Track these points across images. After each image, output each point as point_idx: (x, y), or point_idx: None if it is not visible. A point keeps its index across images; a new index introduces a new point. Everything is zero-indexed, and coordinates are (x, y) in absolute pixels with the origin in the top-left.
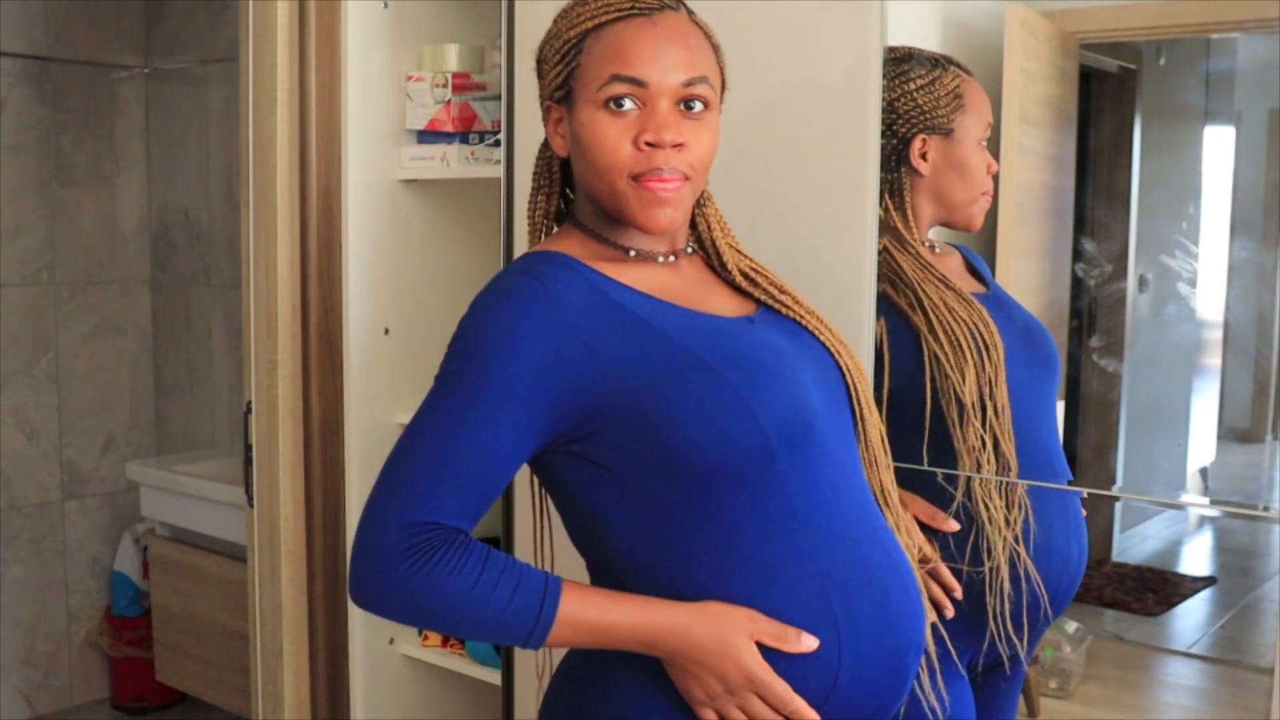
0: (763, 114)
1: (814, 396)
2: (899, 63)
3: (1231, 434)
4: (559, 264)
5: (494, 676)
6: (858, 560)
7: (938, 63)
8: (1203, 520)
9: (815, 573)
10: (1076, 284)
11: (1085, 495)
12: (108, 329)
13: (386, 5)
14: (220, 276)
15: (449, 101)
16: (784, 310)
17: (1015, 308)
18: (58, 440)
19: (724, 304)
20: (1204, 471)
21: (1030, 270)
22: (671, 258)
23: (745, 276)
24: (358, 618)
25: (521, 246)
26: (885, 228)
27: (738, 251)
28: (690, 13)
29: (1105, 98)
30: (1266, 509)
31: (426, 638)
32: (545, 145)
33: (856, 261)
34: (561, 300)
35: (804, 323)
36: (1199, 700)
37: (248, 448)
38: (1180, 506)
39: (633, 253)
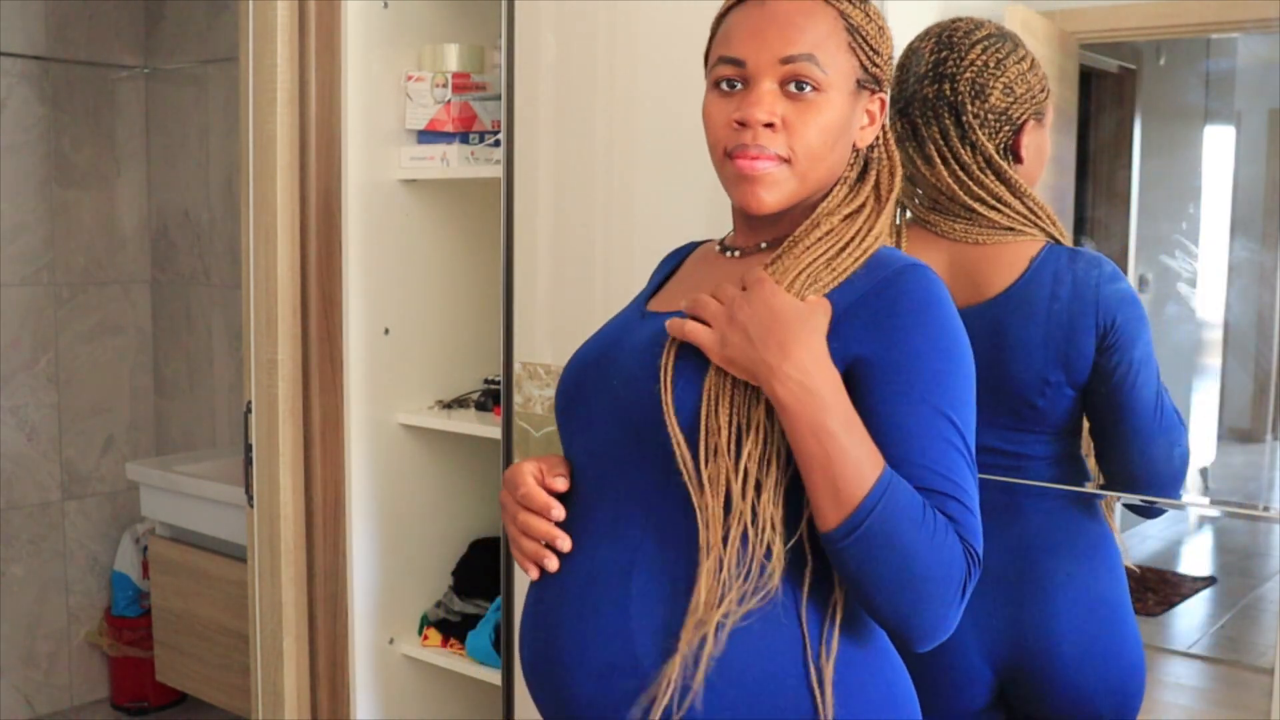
0: None
1: (587, 383)
2: (995, 39)
3: (1231, 434)
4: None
5: (494, 676)
6: (563, 579)
7: (1021, 40)
8: (1203, 520)
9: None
10: None
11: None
12: (108, 329)
13: (386, 5)
14: (220, 276)
15: (449, 101)
16: None
17: None
18: (58, 440)
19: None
20: (1204, 471)
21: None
22: (736, 252)
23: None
24: (358, 618)
25: (522, 246)
26: (1040, 216)
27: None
28: None
29: (1105, 98)
30: (1266, 509)
31: (426, 637)
32: None
33: None
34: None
35: None
36: (1199, 700)
37: (248, 448)
38: (1180, 506)
39: (729, 252)
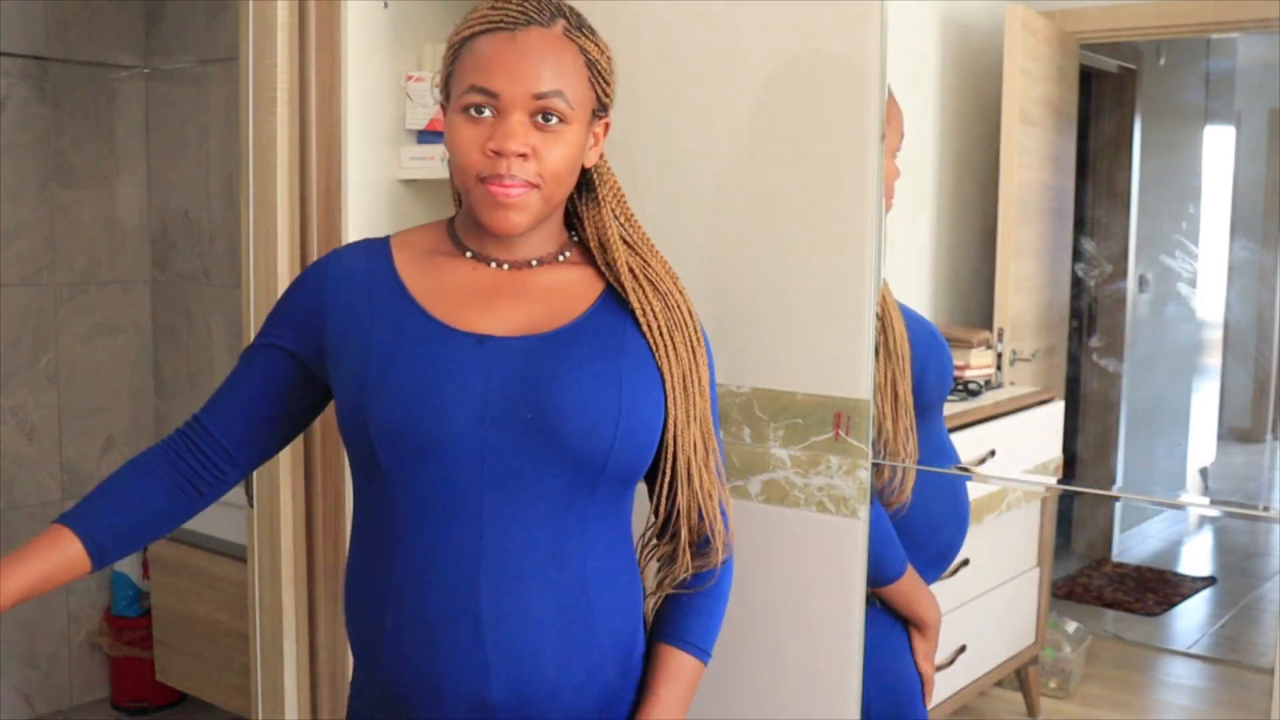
0: (763, 114)
1: (464, 421)
2: None
3: (1231, 434)
4: (364, 246)
5: None
6: (430, 594)
7: None
8: (1203, 520)
9: (388, 579)
10: (1076, 284)
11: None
12: (108, 329)
13: (386, 5)
14: (220, 276)
15: None
16: (641, 321)
17: None
18: (58, 440)
19: (499, 320)
20: (1204, 471)
21: (1030, 270)
22: (505, 265)
23: (633, 272)
24: None
25: None
26: None
27: (634, 249)
28: (570, 29)
29: (1105, 98)
30: (1266, 509)
31: None
32: None
33: (857, 261)
34: (337, 262)
35: (652, 341)
36: (1199, 700)
37: None
38: (1180, 506)
39: (469, 254)
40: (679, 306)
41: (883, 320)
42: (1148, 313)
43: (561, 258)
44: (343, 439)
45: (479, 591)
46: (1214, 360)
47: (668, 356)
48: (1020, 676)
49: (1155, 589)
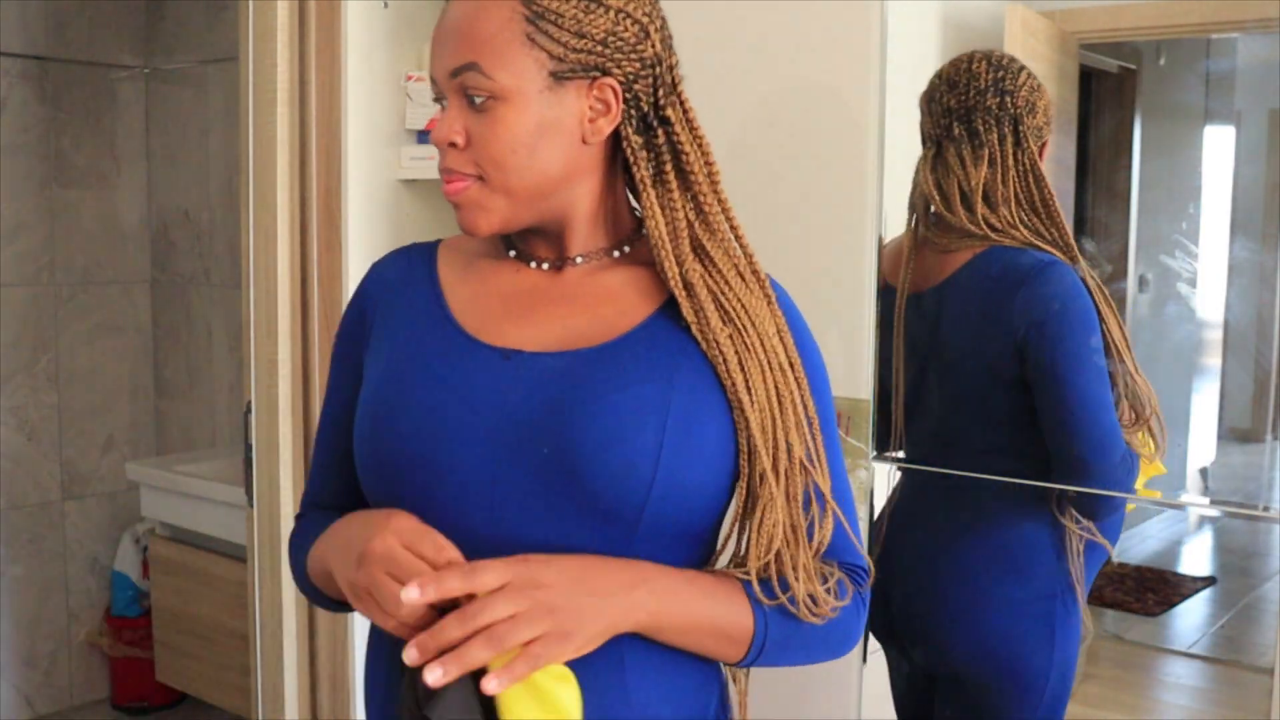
0: (763, 114)
1: (470, 455)
2: (1012, 62)
3: (1231, 434)
4: (406, 251)
5: None
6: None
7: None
8: (1203, 520)
9: (382, 647)
10: None
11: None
12: (108, 329)
13: (386, 5)
14: (220, 276)
15: None
16: (702, 343)
17: None
18: (58, 440)
19: (535, 331)
20: (1204, 471)
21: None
22: (544, 265)
23: (688, 287)
24: (358, 617)
25: None
26: (1047, 226)
27: (702, 256)
28: None
29: (1105, 98)
30: (1266, 509)
31: None
32: None
33: (857, 262)
34: (374, 275)
35: (719, 366)
36: (1199, 700)
37: (248, 448)
38: (1180, 506)
39: (512, 253)
40: (748, 329)
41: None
42: (1148, 313)
43: (617, 253)
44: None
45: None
46: (1214, 360)
47: (738, 385)
48: None
49: (1155, 589)
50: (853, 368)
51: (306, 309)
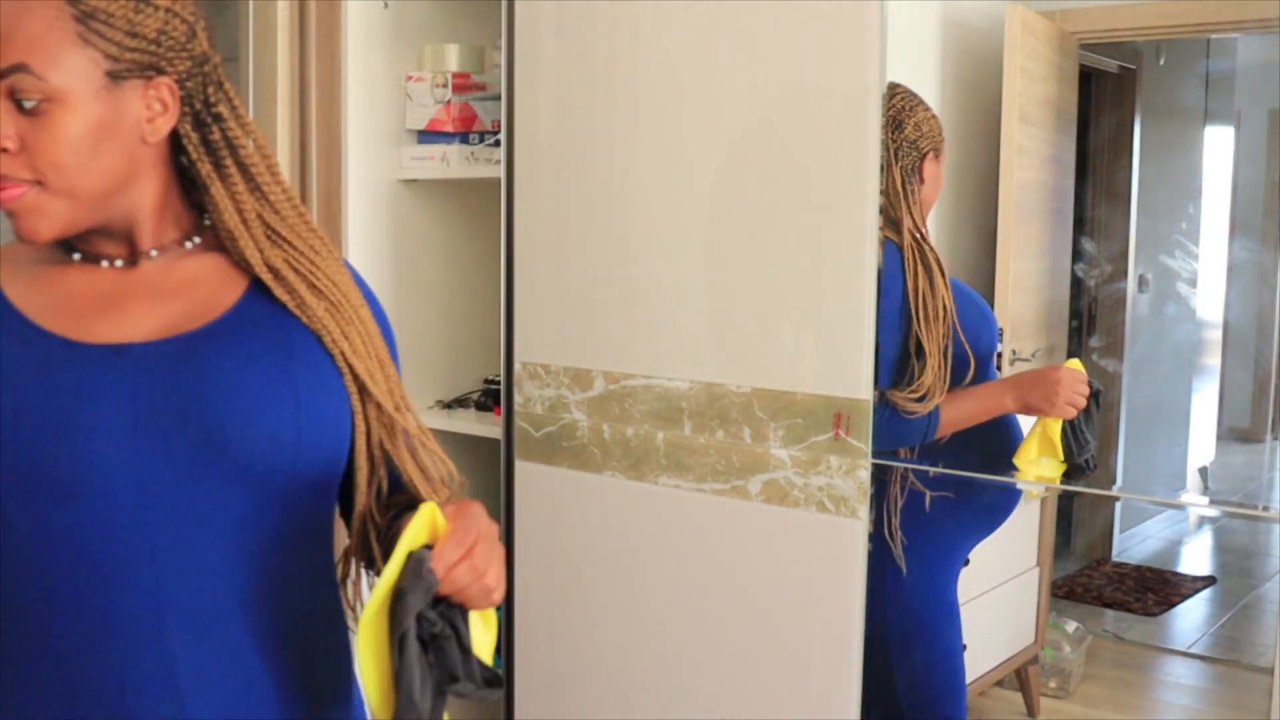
0: (763, 114)
1: (114, 448)
2: (911, 95)
3: (1231, 434)
4: None
5: None
6: (111, 669)
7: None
8: (1202, 520)
9: (43, 662)
10: (1076, 284)
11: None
12: None
13: (386, 5)
14: None
15: (449, 101)
16: (304, 319)
17: None
18: None
19: (132, 325)
20: (1204, 471)
21: (1030, 270)
22: (117, 262)
23: (274, 271)
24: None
25: (522, 246)
26: (889, 219)
27: (278, 240)
28: None
29: (1105, 98)
30: (1266, 509)
31: None
32: None
33: (857, 261)
34: None
35: (325, 337)
36: (1199, 700)
37: None
38: (1180, 506)
39: (76, 255)
40: (353, 315)
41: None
42: (1148, 313)
43: (189, 244)
44: None
45: (174, 655)
46: (1214, 360)
47: (346, 351)
48: (1020, 676)
49: (1155, 589)
50: (853, 368)
51: None
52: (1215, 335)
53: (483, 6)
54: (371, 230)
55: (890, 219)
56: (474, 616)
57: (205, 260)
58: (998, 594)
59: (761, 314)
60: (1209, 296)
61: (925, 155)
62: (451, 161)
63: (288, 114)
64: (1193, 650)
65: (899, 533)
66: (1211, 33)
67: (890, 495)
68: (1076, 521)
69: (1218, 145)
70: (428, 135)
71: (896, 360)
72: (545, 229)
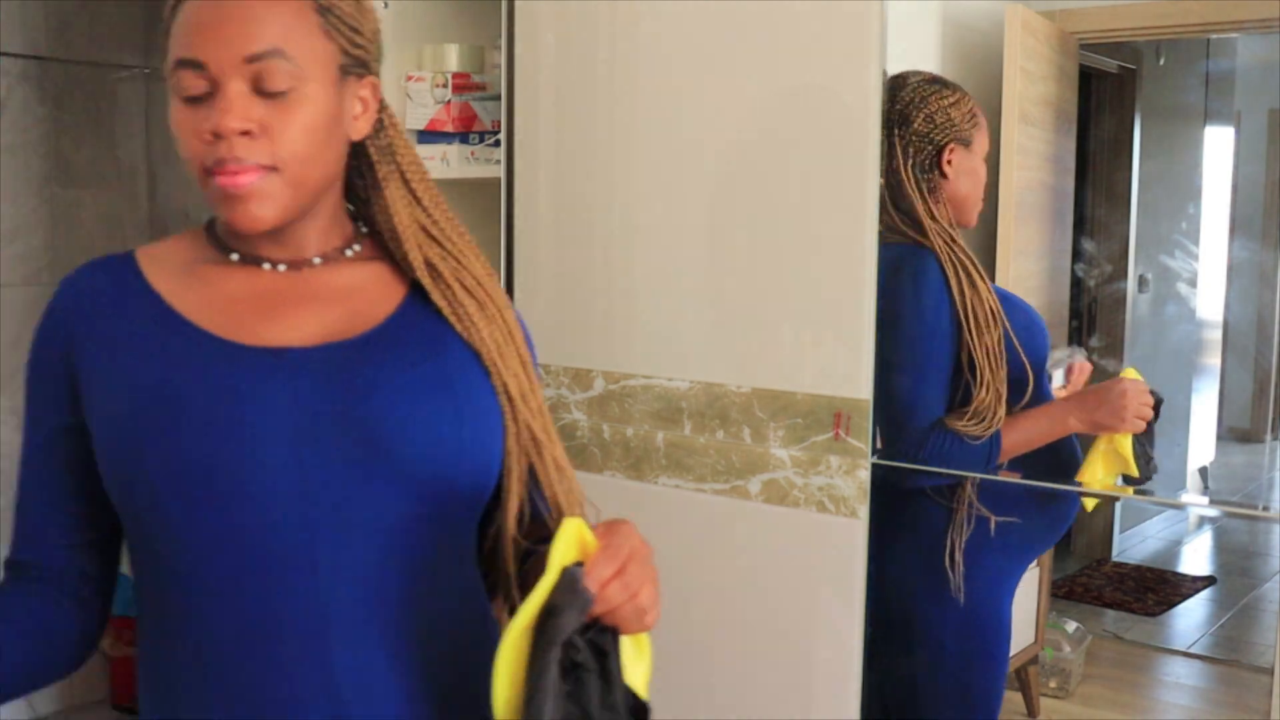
0: (763, 114)
1: (277, 451)
2: (930, 83)
3: (1231, 434)
4: (100, 265)
5: None
6: (270, 683)
7: (957, 86)
8: (1202, 520)
9: (205, 673)
10: (1076, 284)
11: (1086, 495)
12: None
13: (386, 5)
14: None
15: (449, 101)
16: (456, 323)
17: None
18: None
19: (292, 329)
20: (1204, 471)
21: (1030, 270)
22: (279, 266)
23: (433, 272)
24: None
25: (522, 246)
26: (912, 221)
27: (438, 241)
28: None
29: (1105, 98)
30: (1266, 509)
31: None
32: None
33: (857, 261)
34: (68, 291)
35: (474, 338)
36: (1199, 700)
37: None
38: (1180, 506)
39: (235, 256)
40: (499, 317)
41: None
42: (1148, 313)
43: (350, 252)
44: (114, 500)
45: (334, 659)
46: (1214, 360)
47: (493, 353)
48: (1020, 676)
49: (1155, 589)
50: (853, 368)
51: None
52: (1215, 335)
53: (483, 6)
54: None
55: (913, 220)
56: (626, 642)
57: (365, 269)
58: None
59: (761, 314)
60: (1209, 296)
61: (945, 147)
62: (451, 161)
63: None
64: (1193, 650)
65: (960, 563)
66: (1211, 33)
67: (957, 521)
68: (1077, 521)
69: (1218, 145)
70: (428, 135)
71: (950, 380)
72: (545, 229)
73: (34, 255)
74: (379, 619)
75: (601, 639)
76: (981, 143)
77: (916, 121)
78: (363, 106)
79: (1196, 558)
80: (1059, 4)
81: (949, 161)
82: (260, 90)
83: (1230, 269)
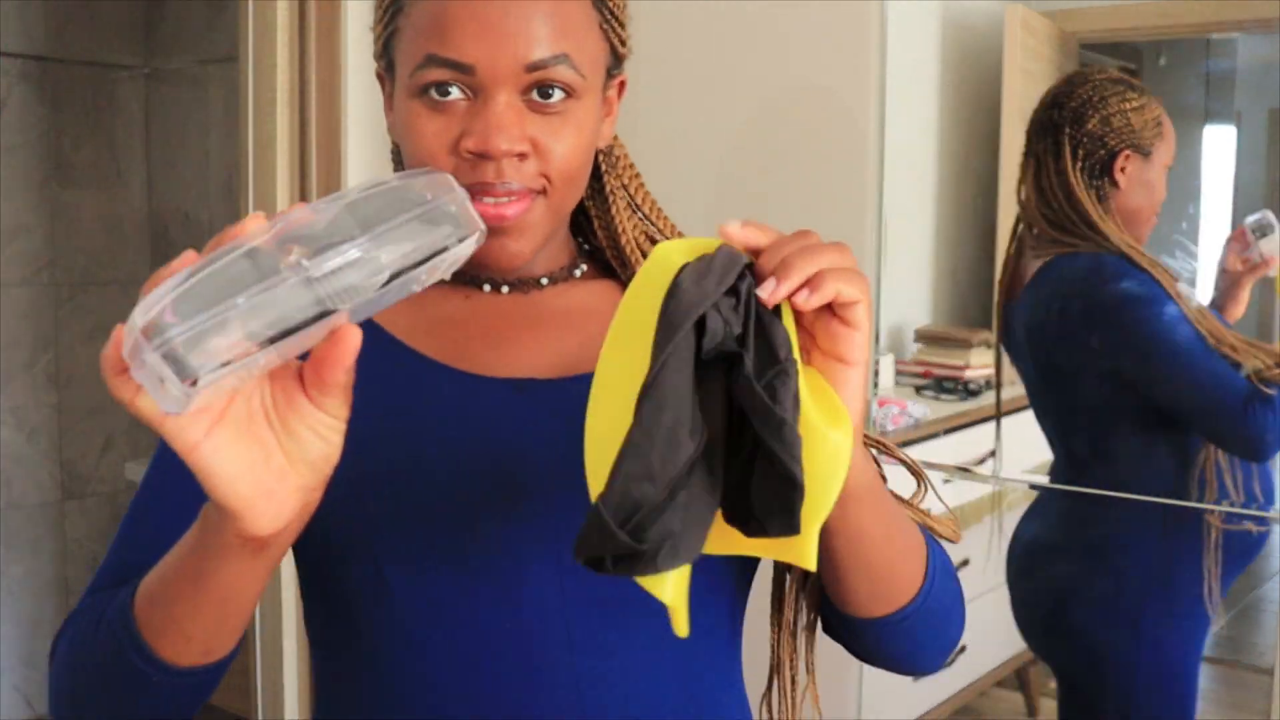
0: (763, 114)
1: (521, 492)
2: (1114, 82)
3: None
4: None
5: None
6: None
7: (1146, 91)
8: None
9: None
10: None
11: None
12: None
13: None
14: None
15: None
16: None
17: None
18: (57, 440)
19: (526, 358)
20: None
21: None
22: (504, 288)
23: None
24: None
25: None
26: (1097, 225)
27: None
28: None
29: None
30: (1266, 509)
31: None
32: None
33: (857, 261)
34: None
35: None
36: (1199, 700)
37: None
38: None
39: (488, 286)
40: None
41: None
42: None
43: (577, 272)
44: (304, 559)
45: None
46: None
47: None
48: (1020, 677)
49: None
50: None
51: None
52: None
53: None
54: None
55: (1083, 225)
56: (805, 376)
57: (592, 289)
58: (998, 594)
59: None
60: (1209, 296)
61: (1119, 154)
62: None
63: (288, 114)
64: None
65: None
66: (1211, 33)
67: (1208, 544)
68: None
69: (1218, 145)
70: None
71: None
72: None
73: (34, 255)
74: (643, 710)
75: (771, 327)
76: (1164, 155)
77: (1091, 122)
78: (607, 109)
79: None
80: (1059, 4)
81: (1122, 169)
82: (533, 101)
83: None
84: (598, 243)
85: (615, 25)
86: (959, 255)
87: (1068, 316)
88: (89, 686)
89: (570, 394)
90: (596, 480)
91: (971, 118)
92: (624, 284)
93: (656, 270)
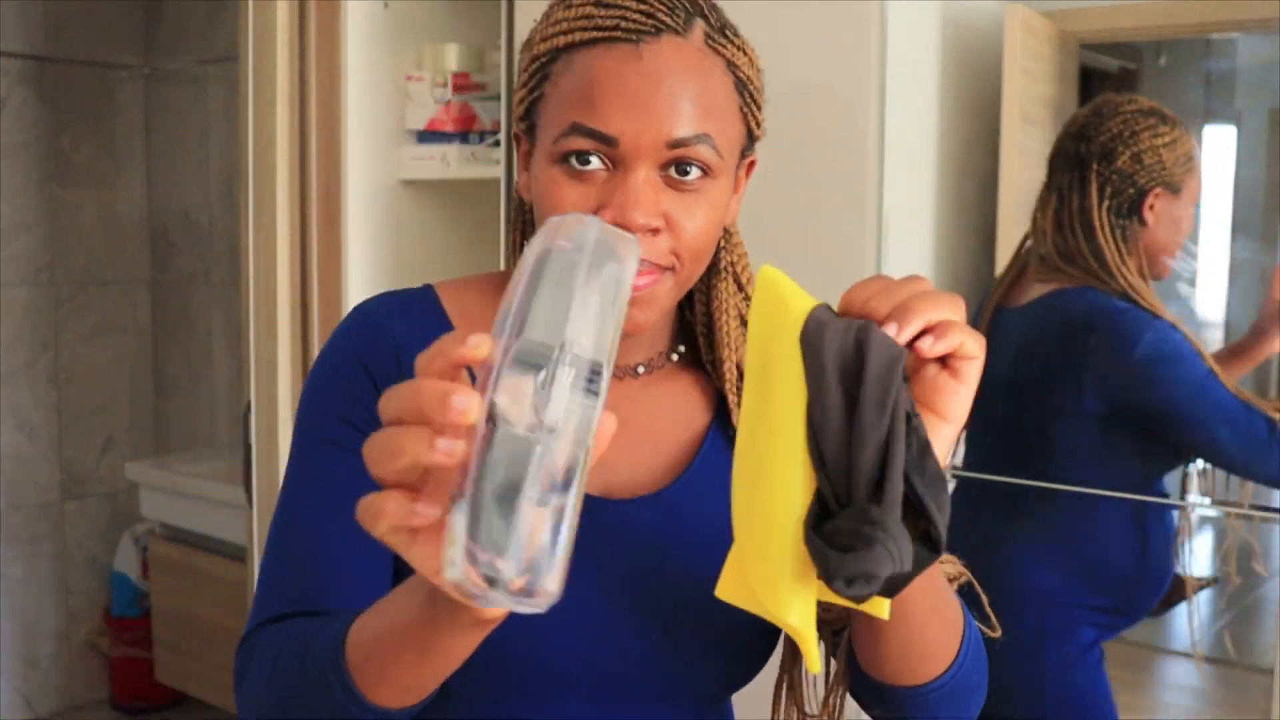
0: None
1: (573, 637)
2: (1146, 114)
3: None
4: (409, 301)
5: None
6: None
7: (1178, 123)
8: (1203, 520)
9: None
10: None
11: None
12: (107, 329)
13: (387, 5)
14: (220, 276)
15: (449, 101)
16: None
17: None
18: (57, 440)
19: (609, 468)
20: (1204, 471)
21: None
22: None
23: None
24: None
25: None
26: (1111, 269)
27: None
28: (713, 33)
29: None
30: (1266, 509)
31: None
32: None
33: (857, 262)
34: (374, 328)
35: None
36: (1199, 700)
37: (247, 448)
38: (1180, 506)
39: None
40: None
41: None
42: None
43: (674, 357)
44: None
45: None
46: None
47: None
48: None
49: None
50: None
51: (306, 309)
52: (1216, 335)
53: (483, 6)
54: (371, 230)
55: (1090, 264)
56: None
57: (678, 380)
58: None
59: None
60: (1209, 296)
61: (1149, 192)
62: (451, 161)
63: (287, 114)
64: (1193, 650)
65: None
66: (1212, 33)
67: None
68: None
69: (1218, 145)
70: (427, 135)
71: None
72: None
73: (34, 255)
74: None
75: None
76: (1192, 190)
77: (1121, 159)
78: (735, 187)
79: (1196, 558)
80: (1059, 4)
81: (1151, 207)
82: (670, 177)
83: (1231, 269)
84: (692, 317)
85: (754, 108)
86: (959, 255)
87: (1070, 355)
88: (286, 711)
89: (636, 520)
90: (746, 521)
91: (971, 118)
92: (702, 372)
93: (777, 304)
